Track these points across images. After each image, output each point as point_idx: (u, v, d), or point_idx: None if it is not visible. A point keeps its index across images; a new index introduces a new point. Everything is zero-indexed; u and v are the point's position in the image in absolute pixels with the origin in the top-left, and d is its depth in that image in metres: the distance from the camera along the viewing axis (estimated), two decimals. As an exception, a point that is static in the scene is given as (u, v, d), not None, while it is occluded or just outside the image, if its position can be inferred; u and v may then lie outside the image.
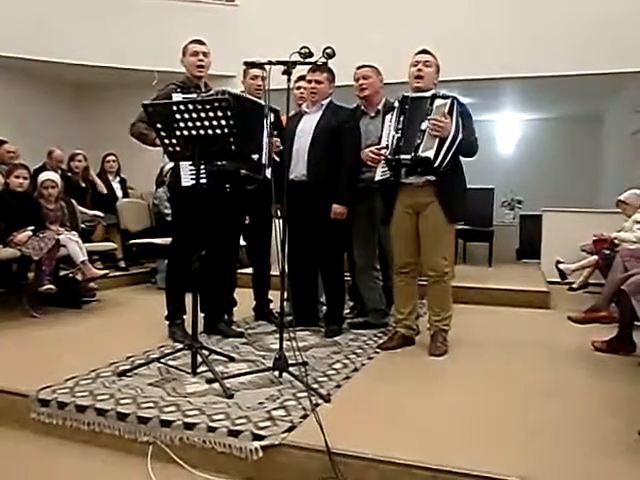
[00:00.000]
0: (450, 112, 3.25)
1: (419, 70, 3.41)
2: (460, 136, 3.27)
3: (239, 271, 4.44)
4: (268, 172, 3.72)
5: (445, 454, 2.09)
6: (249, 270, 4.50)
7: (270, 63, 2.91)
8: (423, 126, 3.28)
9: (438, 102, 3.29)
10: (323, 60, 2.95)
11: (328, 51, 2.89)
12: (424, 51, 3.48)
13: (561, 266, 5.87)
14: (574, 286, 5.89)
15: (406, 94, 3.44)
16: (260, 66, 3.56)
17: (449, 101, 3.27)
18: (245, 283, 4.41)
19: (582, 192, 8.87)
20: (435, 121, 3.22)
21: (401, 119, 3.37)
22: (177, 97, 3.26)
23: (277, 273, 3.03)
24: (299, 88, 4.27)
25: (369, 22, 7.01)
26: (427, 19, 6.87)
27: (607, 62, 6.35)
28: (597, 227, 5.83)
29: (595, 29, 6.34)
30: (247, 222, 4.26)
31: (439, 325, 3.51)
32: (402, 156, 3.32)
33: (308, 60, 2.90)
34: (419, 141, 3.27)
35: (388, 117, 3.47)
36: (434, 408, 2.59)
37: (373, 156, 3.45)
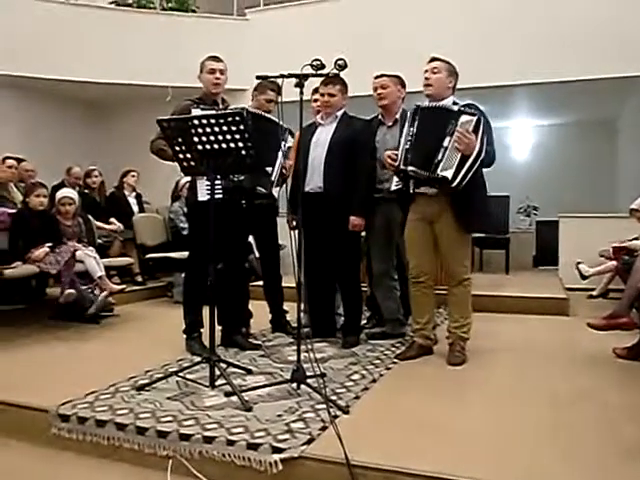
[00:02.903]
0: (476, 130, 3.16)
1: (426, 78, 3.40)
2: (483, 155, 3.20)
3: (255, 283, 4.45)
4: (275, 190, 3.75)
5: (466, 465, 2.07)
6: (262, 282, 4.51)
7: (282, 76, 2.94)
8: (446, 142, 3.20)
9: (464, 118, 3.19)
10: (335, 72, 2.96)
11: (340, 62, 2.90)
12: (432, 59, 3.46)
13: (580, 266, 5.81)
14: (594, 293, 5.82)
15: (419, 104, 3.40)
16: (278, 91, 3.62)
17: (475, 118, 3.17)
18: (261, 295, 4.41)
19: (599, 197, 8.79)
20: (461, 136, 3.13)
21: (411, 130, 3.34)
22: (196, 112, 3.29)
23: (294, 285, 3.03)
24: (316, 100, 4.28)
25: (382, 32, 7.06)
26: (440, 28, 6.90)
27: (620, 66, 6.33)
28: (615, 232, 5.77)
29: (608, 33, 6.33)
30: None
31: (458, 332, 3.48)
32: (409, 168, 3.30)
33: (320, 72, 2.91)
34: (439, 158, 3.20)
35: (406, 126, 3.46)
36: (454, 418, 2.57)
37: (390, 161, 3.44)
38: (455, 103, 3.38)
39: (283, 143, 3.66)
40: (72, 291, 4.46)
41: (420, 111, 3.34)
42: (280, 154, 3.70)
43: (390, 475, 2.06)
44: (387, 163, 3.47)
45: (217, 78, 3.66)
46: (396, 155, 3.38)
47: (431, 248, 3.50)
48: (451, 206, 3.34)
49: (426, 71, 3.42)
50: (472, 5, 6.94)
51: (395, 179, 3.49)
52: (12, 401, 2.82)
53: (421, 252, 3.51)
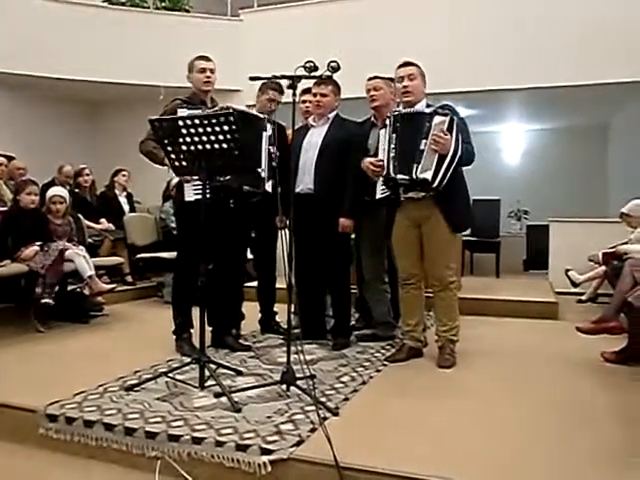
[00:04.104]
0: (450, 129, 3.21)
1: (405, 86, 3.40)
2: (460, 152, 3.24)
3: (245, 284, 4.44)
4: (268, 185, 3.73)
5: (454, 467, 2.07)
6: (254, 283, 4.51)
7: (275, 77, 2.94)
8: (422, 145, 3.24)
9: (437, 119, 3.24)
10: (328, 74, 2.97)
11: (333, 64, 2.90)
12: (406, 63, 3.45)
13: (570, 273, 5.83)
14: (583, 298, 5.86)
15: (396, 111, 3.42)
16: (280, 90, 3.60)
17: (448, 118, 3.23)
18: (251, 296, 4.41)
19: (589, 202, 8.85)
20: (436, 137, 3.18)
21: (393, 137, 3.34)
22: (182, 112, 3.29)
23: (284, 286, 3.03)
24: (304, 102, 4.29)
25: (376, 35, 7.05)
26: (434, 32, 6.91)
27: (612, 72, 6.36)
28: (604, 237, 5.81)
29: (600, 39, 6.36)
30: (253, 236, 4.28)
31: (447, 335, 3.50)
32: (399, 176, 3.31)
33: (313, 74, 2.92)
34: (417, 161, 3.24)
35: (382, 132, 3.47)
36: (443, 421, 2.57)
37: (373, 168, 3.46)
38: (429, 105, 3.42)
39: (264, 133, 3.63)
40: (49, 301, 4.44)
41: (401, 118, 3.36)
42: (264, 147, 3.66)
43: (379, 477, 2.06)
44: (370, 171, 3.49)
45: (208, 77, 3.66)
46: (380, 162, 3.40)
47: (419, 250, 3.52)
48: (438, 208, 3.37)
49: (402, 78, 3.41)
50: (466, 10, 6.96)
51: (381, 187, 3.50)
52: (-1, 401, 2.80)
53: (410, 254, 3.53)
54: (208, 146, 2.85)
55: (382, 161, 3.38)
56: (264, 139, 3.63)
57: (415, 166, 3.24)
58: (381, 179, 3.47)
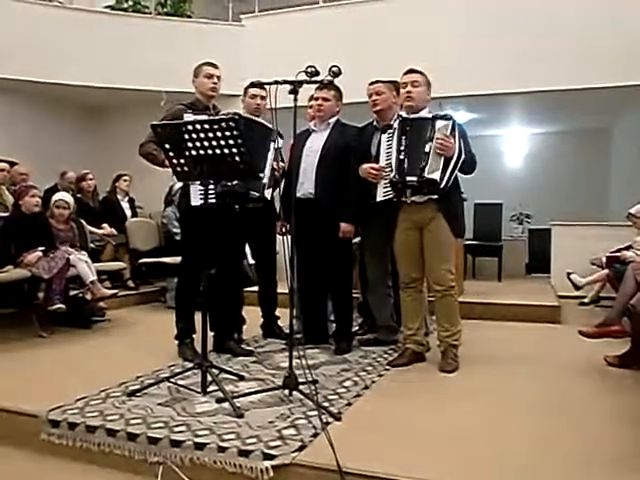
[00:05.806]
0: (452, 132, 3.29)
1: (408, 92, 3.45)
2: (463, 156, 3.32)
3: (247, 289, 4.45)
4: (267, 193, 3.75)
5: (458, 472, 2.07)
6: (256, 288, 4.50)
7: (276, 82, 2.94)
8: (427, 148, 3.31)
9: (439, 124, 3.32)
10: (329, 79, 2.97)
11: (334, 69, 2.91)
12: (411, 70, 3.51)
13: (572, 277, 5.84)
14: (585, 301, 5.85)
15: (405, 115, 3.47)
16: (260, 86, 3.61)
17: (450, 122, 3.31)
18: (253, 301, 4.40)
19: (591, 206, 8.84)
20: (442, 141, 3.26)
21: (403, 140, 3.39)
22: (188, 117, 3.29)
23: (286, 291, 3.03)
24: (312, 106, 4.28)
25: (379, 39, 7.06)
26: (436, 36, 6.91)
27: (615, 75, 6.36)
28: (606, 241, 5.81)
29: (601, 42, 6.36)
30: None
31: (449, 340, 3.49)
32: (408, 178, 3.35)
33: (314, 79, 2.92)
34: (424, 163, 3.30)
35: (385, 137, 3.50)
36: (446, 426, 2.56)
37: (375, 173, 3.48)
38: (430, 113, 3.47)
39: (272, 144, 3.65)
40: (61, 306, 4.45)
41: (410, 122, 3.41)
42: (270, 156, 3.69)
43: (382, 482, 2.06)
44: (371, 176, 3.50)
45: (214, 83, 3.68)
46: (380, 168, 3.43)
47: (420, 254, 3.53)
48: (440, 212, 3.41)
49: (405, 84, 3.47)
50: (469, 13, 6.97)
51: (382, 190, 3.51)
52: (1, 406, 2.80)
53: (412, 258, 3.54)
54: (210, 151, 2.84)
55: (386, 167, 3.42)
56: (271, 150, 3.66)
57: (423, 167, 3.30)
58: (383, 182, 3.48)
